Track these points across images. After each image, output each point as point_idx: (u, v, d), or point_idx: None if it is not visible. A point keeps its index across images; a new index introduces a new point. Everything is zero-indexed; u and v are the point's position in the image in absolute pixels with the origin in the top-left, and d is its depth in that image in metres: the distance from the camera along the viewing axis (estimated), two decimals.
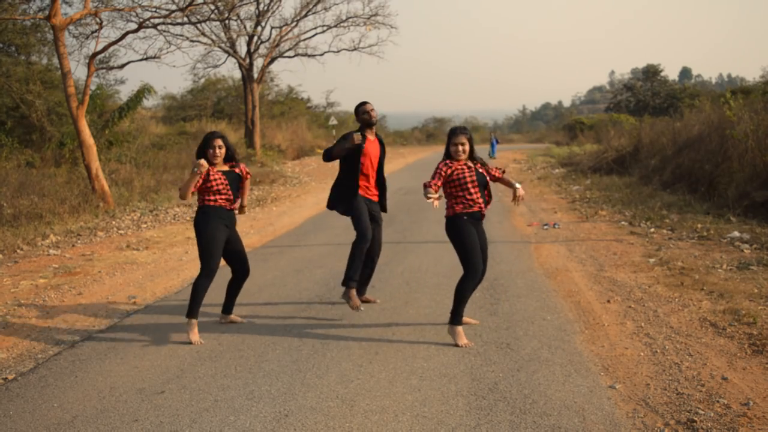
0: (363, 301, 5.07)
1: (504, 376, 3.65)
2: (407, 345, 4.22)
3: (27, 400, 3.51)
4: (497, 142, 29.36)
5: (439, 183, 4.23)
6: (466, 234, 4.24)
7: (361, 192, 4.92)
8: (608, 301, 5.14)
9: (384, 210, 5.14)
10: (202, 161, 4.35)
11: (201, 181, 4.41)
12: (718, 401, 3.26)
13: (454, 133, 4.32)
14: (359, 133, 4.84)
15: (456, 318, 4.20)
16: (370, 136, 4.97)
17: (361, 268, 4.83)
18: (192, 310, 4.42)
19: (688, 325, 4.47)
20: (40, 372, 3.93)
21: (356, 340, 4.33)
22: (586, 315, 4.80)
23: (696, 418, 3.08)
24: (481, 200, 4.29)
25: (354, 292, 4.75)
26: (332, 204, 5.04)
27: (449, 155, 4.32)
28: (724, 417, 3.09)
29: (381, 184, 5.09)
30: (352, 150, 4.83)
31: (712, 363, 3.78)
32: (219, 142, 4.49)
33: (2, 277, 6.56)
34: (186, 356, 4.12)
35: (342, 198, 4.94)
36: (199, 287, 4.41)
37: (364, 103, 4.96)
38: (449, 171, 4.26)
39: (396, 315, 4.92)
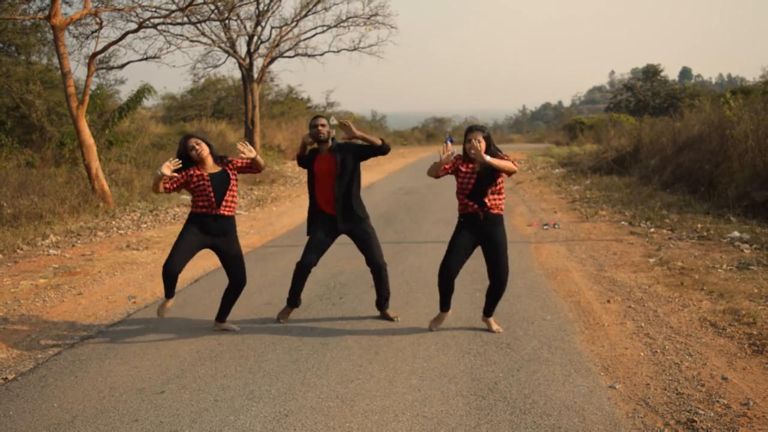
0: (383, 317, 4.85)
1: (504, 376, 3.65)
2: (407, 345, 4.22)
3: (27, 400, 3.51)
4: (452, 141, 28.99)
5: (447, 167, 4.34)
6: (454, 233, 4.41)
7: (320, 209, 4.74)
8: (608, 301, 5.14)
9: (340, 226, 4.68)
10: (164, 166, 4.22)
11: (181, 181, 4.35)
12: (718, 401, 3.27)
13: (470, 130, 4.26)
14: (309, 134, 4.70)
15: (440, 305, 4.56)
16: (323, 153, 4.67)
17: (299, 289, 4.74)
18: (165, 291, 4.44)
19: (688, 325, 4.47)
20: (40, 372, 3.93)
21: (356, 340, 4.33)
22: (586, 315, 4.80)
23: (696, 418, 3.08)
24: (472, 202, 4.24)
25: (286, 309, 4.83)
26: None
27: (464, 153, 4.32)
28: (724, 417, 3.10)
29: (347, 202, 4.64)
30: (306, 161, 4.71)
31: (712, 363, 3.78)
32: (194, 140, 4.36)
33: (2, 277, 6.56)
34: (186, 356, 4.12)
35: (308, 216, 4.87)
36: (162, 273, 4.39)
37: (315, 117, 4.69)
38: (455, 166, 4.33)
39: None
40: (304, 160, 4.77)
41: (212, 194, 4.33)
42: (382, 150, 4.58)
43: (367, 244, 4.73)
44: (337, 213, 4.66)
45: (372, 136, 4.61)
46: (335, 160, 4.63)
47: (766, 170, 9.05)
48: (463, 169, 4.30)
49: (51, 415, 3.31)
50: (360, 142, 4.69)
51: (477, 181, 4.23)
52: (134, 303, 5.53)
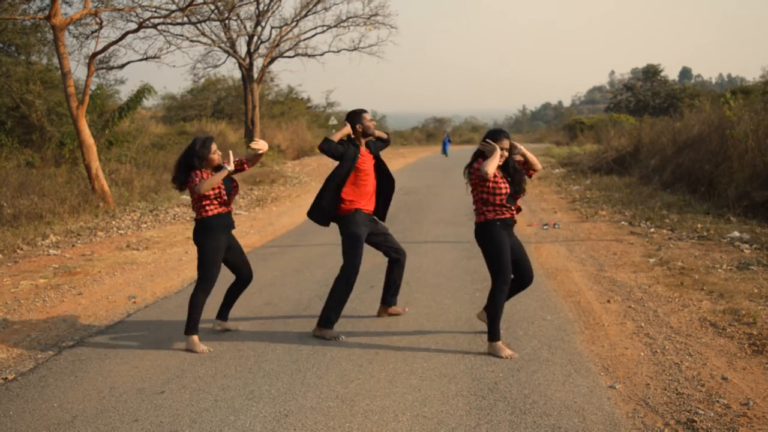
0: (392, 314, 4.84)
1: (504, 376, 3.65)
2: (407, 345, 4.22)
3: (27, 400, 3.51)
4: (450, 141, 29.27)
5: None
6: (497, 240, 4.02)
7: (359, 206, 4.50)
8: (608, 301, 5.14)
9: (382, 219, 4.76)
10: (231, 162, 4.24)
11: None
12: (718, 401, 3.27)
13: (498, 137, 3.96)
14: (348, 126, 4.51)
15: (493, 334, 3.97)
16: (363, 148, 4.55)
17: (343, 307, 4.42)
18: (191, 327, 4.24)
19: (688, 325, 4.47)
20: (40, 372, 3.93)
21: (356, 340, 4.33)
22: (586, 315, 4.80)
23: (696, 418, 3.08)
24: (513, 209, 4.15)
25: (331, 332, 4.40)
26: (315, 214, 4.63)
27: (481, 156, 4.03)
28: (724, 417, 3.10)
29: (387, 191, 4.70)
30: (345, 157, 4.43)
31: (712, 363, 3.78)
32: (215, 145, 4.34)
33: (2, 277, 6.56)
34: (186, 356, 4.12)
35: (319, 208, 4.59)
36: (198, 302, 4.24)
37: (364, 111, 4.54)
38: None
39: (396, 315, 4.91)
40: (338, 151, 4.45)
41: (226, 196, 4.36)
42: (388, 142, 4.86)
43: (388, 234, 4.75)
44: (384, 208, 4.73)
45: (380, 132, 4.76)
46: (374, 155, 4.65)
47: (766, 170, 9.06)
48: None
49: (51, 415, 3.31)
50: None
51: (512, 183, 4.07)
52: (134, 303, 5.53)
